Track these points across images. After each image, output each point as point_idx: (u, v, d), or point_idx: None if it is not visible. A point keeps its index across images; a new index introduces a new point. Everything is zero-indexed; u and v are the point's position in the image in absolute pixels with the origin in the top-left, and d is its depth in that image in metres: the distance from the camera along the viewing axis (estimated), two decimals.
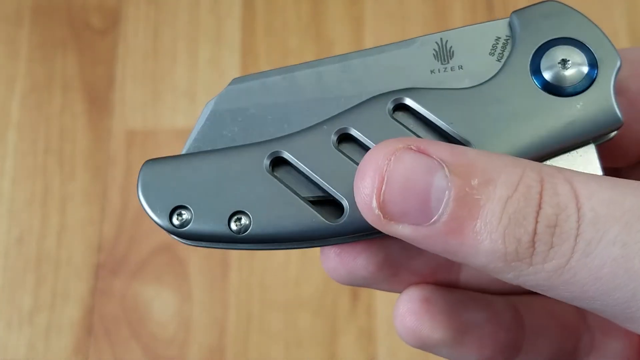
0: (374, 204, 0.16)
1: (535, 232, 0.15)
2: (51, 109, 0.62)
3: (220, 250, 0.57)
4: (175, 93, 0.62)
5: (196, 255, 0.57)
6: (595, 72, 0.16)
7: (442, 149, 0.16)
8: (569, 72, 0.16)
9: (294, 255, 0.56)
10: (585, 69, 0.17)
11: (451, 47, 0.18)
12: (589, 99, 0.16)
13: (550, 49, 0.17)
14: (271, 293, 0.55)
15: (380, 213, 0.16)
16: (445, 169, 0.15)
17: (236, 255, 0.56)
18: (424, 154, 0.15)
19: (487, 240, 0.15)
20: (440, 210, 0.15)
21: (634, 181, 0.15)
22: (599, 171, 0.17)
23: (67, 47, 0.65)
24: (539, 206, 0.15)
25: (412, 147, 0.16)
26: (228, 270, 0.56)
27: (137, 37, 0.64)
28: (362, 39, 0.62)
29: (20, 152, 0.61)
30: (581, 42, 0.16)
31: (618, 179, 0.15)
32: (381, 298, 0.55)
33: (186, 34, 0.64)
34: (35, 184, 0.60)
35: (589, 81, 0.16)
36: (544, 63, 0.17)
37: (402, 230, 0.16)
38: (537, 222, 0.15)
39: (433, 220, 0.15)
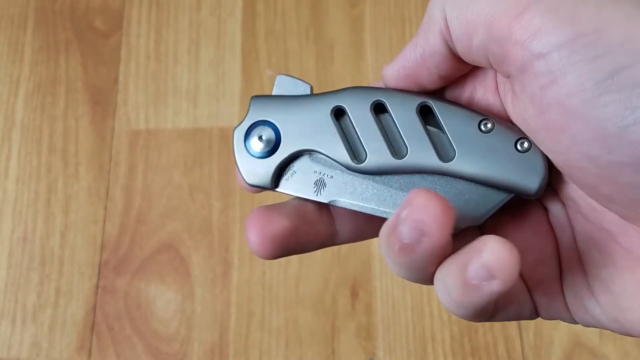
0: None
1: None
2: (55, 109, 0.63)
3: (221, 249, 0.57)
4: (177, 94, 0.63)
5: (198, 254, 0.57)
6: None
7: None
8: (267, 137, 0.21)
9: (294, 255, 0.56)
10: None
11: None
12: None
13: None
14: (272, 291, 0.56)
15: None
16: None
17: (237, 254, 0.57)
18: None
19: None
20: None
21: None
22: None
23: (70, 49, 0.65)
24: None
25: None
26: (229, 269, 0.57)
27: (139, 39, 0.65)
28: (362, 41, 0.63)
29: (25, 152, 0.62)
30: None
31: None
32: (380, 296, 0.55)
33: (188, 36, 0.65)
34: (39, 184, 0.61)
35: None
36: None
37: None
38: None
39: None
